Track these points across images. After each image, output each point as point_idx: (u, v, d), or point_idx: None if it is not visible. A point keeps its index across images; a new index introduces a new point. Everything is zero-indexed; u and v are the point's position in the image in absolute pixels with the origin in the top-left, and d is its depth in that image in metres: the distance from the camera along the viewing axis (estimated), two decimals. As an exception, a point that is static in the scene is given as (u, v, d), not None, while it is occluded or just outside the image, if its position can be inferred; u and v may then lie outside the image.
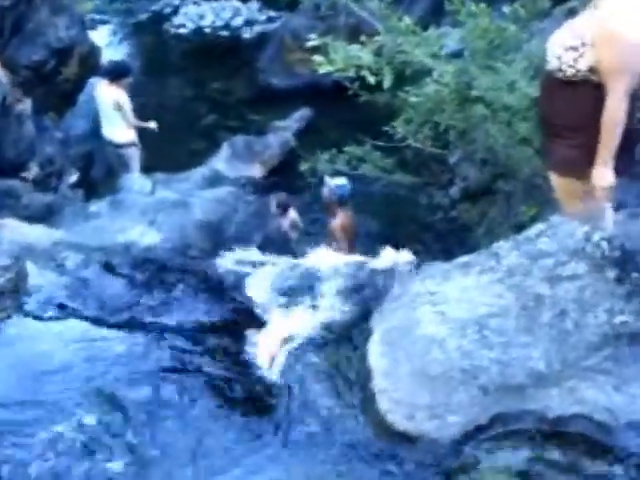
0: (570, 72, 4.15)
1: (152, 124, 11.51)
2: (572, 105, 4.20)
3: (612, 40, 4.07)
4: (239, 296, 5.54)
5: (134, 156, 11.61)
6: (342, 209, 8.79)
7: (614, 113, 4.09)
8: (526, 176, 8.14)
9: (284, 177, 11.61)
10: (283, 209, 9.66)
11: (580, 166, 4.24)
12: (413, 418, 3.95)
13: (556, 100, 4.28)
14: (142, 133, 11.79)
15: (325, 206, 8.99)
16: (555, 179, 4.40)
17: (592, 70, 4.09)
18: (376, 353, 4.32)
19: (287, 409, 4.44)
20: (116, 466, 4.06)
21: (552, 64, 4.24)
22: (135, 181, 11.40)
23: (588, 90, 4.15)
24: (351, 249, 8.81)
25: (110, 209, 9.93)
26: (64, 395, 4.49)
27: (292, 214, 9.84)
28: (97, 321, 5.26)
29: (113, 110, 11.16)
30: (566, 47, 4.19)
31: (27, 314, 5.38)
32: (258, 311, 5.33)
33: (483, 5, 8.18)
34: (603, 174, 4.28)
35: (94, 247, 6.62)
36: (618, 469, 3.72)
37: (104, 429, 4.30)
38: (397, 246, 7.65)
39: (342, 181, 8.91)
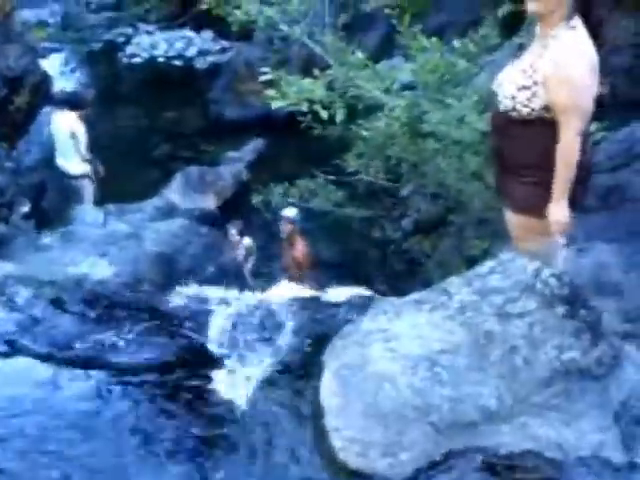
0: (525, 111, 4.21)
1: (100, 169, 11.51)
2: (527, 143, 4.26)
3: (567, 82, 4.14)
4: (193, 333, 5.49)
5: (87, 188, 11.57)
6: (301, 238, 8.88)
7: (569, 150, 4.15)
8: (477, 210, 8.25)
9: (237, 209, 11.61)
10: (240, 236, 9.71)
11: (537, 203, 4.30)
12: (366, 456, 3.94)
13: (511, 139, 4.34)
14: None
15: (285, 239, 9.05)
16: (511, 217, 4.45)
17: (546, 108, 4.15)
18: (328, 390, 4.31)
19: (243, 447, 4.41)
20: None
21: (505, 104, 4.30)
22: (87, 212, 11.34)
23: (543, 128, 4.21)
24: (312, 279, 8.87)
25: (62, 241, 9.87)
26: (11, 434, 4.42)
27: (247, 241, 9.86)
28: (47, 358, 5.18)
29: (68, 140, 11.12)
30: (519, 86, 4.25)
31: (-25, 351, 5.29)
32: (213, 348, 5.29)
33: (434, 39, 8.30)
34: (559, 210, 4.34)
35: (45, 281, 6.53)
36: (568, 505, 3.75)
37: (52, 467, 4.24)
38: (350, 279, 7.70)
39: (293, 212, 9.00)
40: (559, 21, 4.14)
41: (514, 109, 4.24)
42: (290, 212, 8.93)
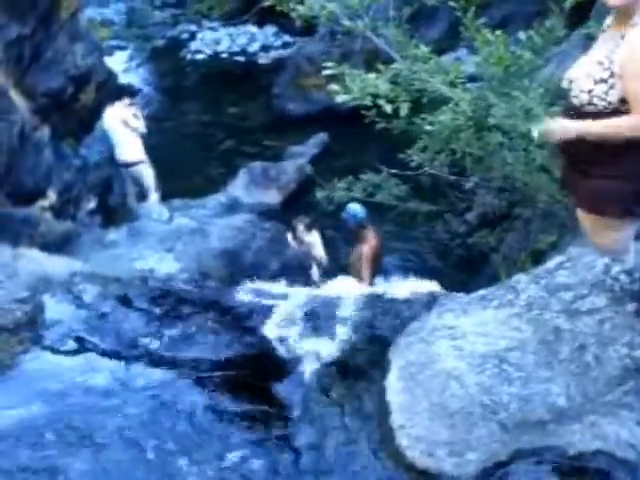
0: (602, 105, 4.11)
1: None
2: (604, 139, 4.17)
3: None
4: (258, 329, 5.52)
5: (146, 174, 11.69)
6: (370, 231, 8.88)
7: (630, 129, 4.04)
8: (543, 203, 8.12)
9: (301, 204, 11.62)
10: (308, 230, 9.70)
11: (607, 200, 4.19)
12: (432, 455, 3.91)
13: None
14: (160, 159, 11.86)
15: (353, 234, 9.05)
16: (580, 213, 4.36)
17: (622, 101, 4.06)
18: (394, 388, 4.30)
19: (306, 444, 4.42)
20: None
21: (581, 98, 4.19)
22: (153, 208, 11.46)
23: None
24: (373, 277, 8.86)
25: (128, 237, 9.99)
26: (83, 432, 4.48)
27: (315, 236, 9.84)
28: (114, 355, 5.26)
29: (119, 129, 11.31)
30: (596, 80, 4.15)
31: (44, 347, 5.38)
32: (277, 344, 5.31)
33: (499, 32, 8.17)
34: None
35: (111, 278, 6.62)
36: (641, 507, 3.68)
37: (124, 464, 4.30)
38: (415, 274, 7.66)
39: (356, 206, 8.99)
40: (638, 10, 4.06)
41: (590, 103, 4.14)
42: (353, 206, 8.93)
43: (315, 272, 9.65)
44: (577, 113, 4.20)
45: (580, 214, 4.39)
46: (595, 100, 4.14)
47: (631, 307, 4.36)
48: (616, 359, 4.16)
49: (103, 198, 11.84)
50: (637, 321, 4.30)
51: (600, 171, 4.16)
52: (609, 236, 4.32)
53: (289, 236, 9.79)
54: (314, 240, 9.85)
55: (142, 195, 11.98)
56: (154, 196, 11.84)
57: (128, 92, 11.84)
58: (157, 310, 5.85)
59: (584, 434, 3.88)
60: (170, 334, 5.49)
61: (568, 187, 4.60)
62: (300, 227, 9.74)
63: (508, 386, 4.12)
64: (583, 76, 4.22)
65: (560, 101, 6.82)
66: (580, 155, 4.31)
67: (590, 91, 4.17)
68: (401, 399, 4.20)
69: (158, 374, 5.04)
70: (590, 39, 4.50)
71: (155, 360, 5.20)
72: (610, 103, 4.05)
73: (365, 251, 8.87)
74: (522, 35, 8.50)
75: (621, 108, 4.04)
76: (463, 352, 4.33)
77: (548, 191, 7.79)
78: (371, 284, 8.65)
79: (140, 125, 11.58)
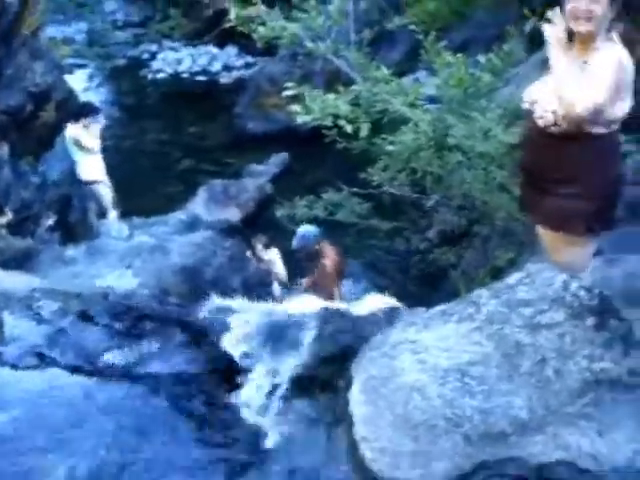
0: (566, 125, 4.15)
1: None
2: (566, 157, 4.21)
3: (597, 86, 4.08)
4: (219, 344, 5.48)
5: (104, 193, 11.63)
6: (328, 247, 8.88)
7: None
8: (502, 221, 8.21)
9: (261, 222, 11.62)
10: (266, 248, 9.70)
11: (569, 218, 4.24)
12: (397, 466, 3.91)
13: (548, 153, 4.28)
14: (119, 177, 11.79)
15: (311, 255, 9.03)
16: (543, 232, 4.40)
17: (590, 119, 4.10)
18: (357, 401, 4.29)
19: (270, 457, 4.39)
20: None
21: (546, 119, 4.23)
22: (112, 225, 11.39)
23: (584, 142, 4.16)
24: (336, 292, 8.87)
25: (87, 254, 9.89)
26: (44, 448, 4.41)
27: (274, 254, 9.85)
28: (75, 370, 5.19)
29: (77, 148, 11.24)
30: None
31: (3, 363, 5.29)
32: (238, 359, 5.28)
33: (459, 55, 8.28)
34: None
35: (71, 294, 6.55)
36: (602, 517, 3.70)
37: None
38: (377, 291, 7.66)
39: (308, 227, 8.97)
40: (600, 36, 4.11)
41: (556, 124, 4.19)
42: (308, 227, 8.94)
43: (276, 289, 9.65)
44: (540, 134, 4.25)
45: (541, 232, 4.43)
46: (560, 120, 4.19)
47: (590, 321, 4.40)
48: (576, 372, 4.19)
49: (62, 215, 11.76)
50: (596, 335, 4.34)
51: (562, 189, 4.21)
52: (570, 253, 4.37)
53: (249, 253, 9.79)
54: (273, 257, 9.85)
55: (101, 213, 11.90)
56: (113, 214, 11.77)
57: (88, 110, 11.72)
58: (118, 326, 5.78)
59: (546, 445, 3.90)
60: (131, 350, 5.43)
61: (527, 205, 4.65)
62: (259, 245, 9.75)
63: (470, 399, 4.13)
64: (547, 97, 4.27)
65: (519, 122, 6.91)
66: (540, 173, 4.36)
67: (554, 112, 4.22)
68: (364, 411, 4.19)
69: (119, 389, 4.98)
70: (547, 62, 4.54)
71: (116, 375, 5.14)
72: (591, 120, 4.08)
73: (329, 265, 8.87)
74: (482, 58, 8.63)
75: (585, 128, 4.08)
76: (426, 365, 4.33)
77: (507, 209, 7.88)
78: (339, 298, 8.66)
79: (95, 144, 11.47)
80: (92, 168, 11.48)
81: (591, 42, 4.14)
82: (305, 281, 9.30)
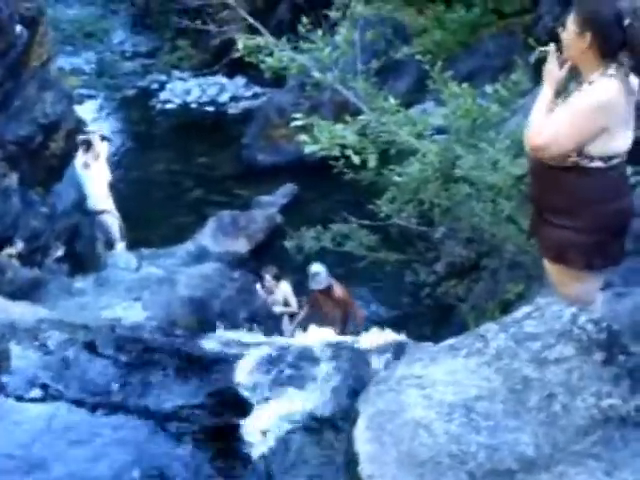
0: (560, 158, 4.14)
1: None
2: (563, 189, 4.19)
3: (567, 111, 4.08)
4: (225, 378, 5.47)
5: (111, 223, 11.67)
6: (338, 283, 8.98)
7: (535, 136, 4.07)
8: (511, 253, 8.16)
9: (270, 253, 11.61)
10: (276, 280, 9.68)
11: (566, 249, 4.20)
12: (402, 505, 3.87)
13: (546, 184, 4.26)
14: (128, 208, 11.82)
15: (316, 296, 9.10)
16: (548, 264, 4.38)
17: (580, 155, 4.08)
18: (362, 438, 4.25)
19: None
20: None
21: None
22: (120, 257, 11.40)
23: (578, 174, 4.14)
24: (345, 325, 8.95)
25: (95, 285, 9.91)
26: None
27: (285, 286, 9.80)
28: (79, 404, 5.18)
29: (86, 177, 11.32)
30: None
31: (9, 395, 5.29)
32: (245, 394, 5.26)
33: (466, 85, 8.27)
34: None
35: (78, 325, 6.56)
36: None
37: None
38: (384, 324, 7.63)
39: (321, 267, 9.06)
40: (594, 68, 4.09)
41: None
42: (318, 268, 9.01)
43: (286, 322, 9.62)
44: (540, 164, 4.23)
45: (546, 264, 4.41)
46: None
47: (598, 356, 4.37)
48: (584, 409, 4.15)
49: (71, 246, 11.77)
50: (604, 371, 4.30)
51: (562, 221, 4.19)
52: (574, 287, 4.34)
53: (258, 285, 9.77)
54: (285, 289, 9.82)
55: (110, 243, 11.93)
56: (120, 245, 11.80)
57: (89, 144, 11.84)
58: (124, 358, 5.79)
59: (553, 484, 3.86)
60: (137, 382, 5.43)
61: (535, 235, 4.63)
62: (268, 277, 9.74)
63: (476, 435, 4.09)
64: None
65: (525, 152, 6.90)
66: (541, 203, 4.35)
67: None
68: (370, 449, 4.15)
69: (124, 422, 4.98)
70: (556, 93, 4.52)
71: (121, 408, 5.14)
72: (569, 157, 4.06)
73: (344, 293, 9.03)
74: (489, 88, 8.62)
75: (579, 162, 4.06)
76: (432, 401, 4.30)
77: (515, 241, 7.84)
78: (345, 333, 8.67)
79: (103, 167, 11.55)
80: (101, 198, 11.53)
81: (585, 72, 4.10)
82: (305, 310, 9.39)
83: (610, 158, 4.05)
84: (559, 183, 4.20)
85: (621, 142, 4.05)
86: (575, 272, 4.23)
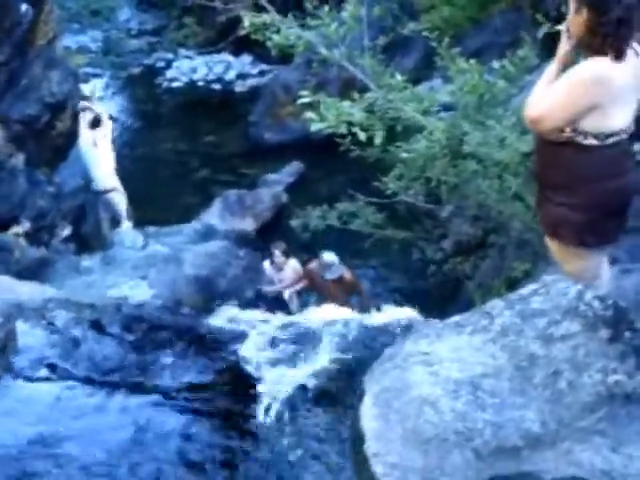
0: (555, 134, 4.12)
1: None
2: (559, 165, 4.18)
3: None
4: (232, 355, 5.49)
5: (117, 201, 11.68)
6: (347, 271, 9.03)
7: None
8: (517, 231, 8.16)
9: (276, 232, 11.61)
10: (285, 256, 9.64)
11: (567, 229, 4.19)
12: (407, 482, 3.88)
13: (545, 160, 4.26)
14: (134, 187, 11.84)
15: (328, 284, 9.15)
16: (549, 241, 4.38)
17: (575, 131, 4.06)
18: (369, 415, 4.26)
19: (281, 472, 4.38)
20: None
21: None
22: (126, 235, 11.42)
23: (573, 150, 4.13)
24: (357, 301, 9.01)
25: (102, 264, 9.94)
26: (59, 459, 4.42)
27: (294, 262, 9.76)
28: (88, 382, 5.21)
29: (93, 155, 11.31)
30: None
31: (17, 375, 5.32)
32: (251, 370, 5.28)
33: (473, 62, 8.24)
34: None
35: (85, 304, 6.58)
36: (615, 533, 3.67)
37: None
38: (391, 302, 7.64)
39: (331, 256, 9.09)
40: (593, 43, 4.07)
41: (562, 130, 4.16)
42: (331, 257, 9.04)
43: (294, 299, 9.59)
44: (541, 140, 4.22)
45: (547, 240, 4.41)
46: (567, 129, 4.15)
47: (604, 333, 4.37)
48: (590, 385, 4.16)
49: (77, 225, 11.79)
50: (610, 347, 4.31)
51: (560, 198, 4.17)
52: (576, 264, 4.33)
53: (266, 263, 9.74)
54: (294, 266, 9.78)
55: (116, 222, 11.95)
56: (127, 224, 11.81)
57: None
58: (130, 337, 5.81)
59: (558, 461, 3.87)
60: (144, 360, 5.46)
61: (539, 212, 4.62)
62: (277, 252, 9.66)
63: (482, 412, 4.10)
64: None
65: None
66: (541, 179, 4.34)
67: None
68: (375, 426, 4.17)
69: (132, 400, 5.00)
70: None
71: (129, 386, 5.16)
72: (563, 132, 4.03)
73: (353, 278, 9.09)
74: (496, 64, 8.57)
75: (574, 138, 4.03)
76: (438, 378, 4.31)
77: (522, 219, 7.83)
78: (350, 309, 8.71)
79: (108, 144, 11.55)
80: (106, 176, 11.54)
81: (588, 53, 4.08)
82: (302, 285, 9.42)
83: (607, 136, 4.02)
84: (557, 159, 4.19)
85: (617, 120, 4.01)
86: (573, 249, 4.23)
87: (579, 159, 4.09)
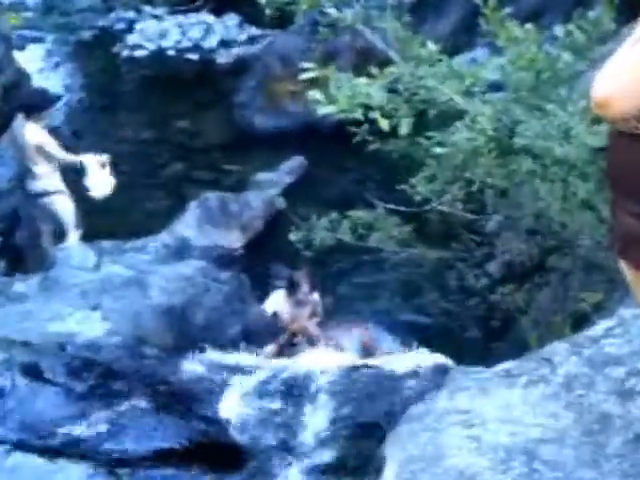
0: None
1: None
2: (632, 163, 4.20)
3: None
4: (211, 412, 5.52)
5: (64, 207, 11.68)
6: None
7: None
8: (586, 250, 8.19)
9: (269, 248, 11.65)
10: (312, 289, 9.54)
11: (633, 244, 4.20)
12: None
13: (620, 159, 4.28)
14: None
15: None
16: (622, 264, 4.40)
17: None
18: (391, 492, 4.30)
19: None
20: None
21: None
22: (74, 251, 11.44)
23: None
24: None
25: (40, 288, 9.93)
26: None
27: (315, 297, 9.63)
28: (20, 448, 5.22)
29: (35, 154, 11.28)
30: None
31: None
32: (235, 434, 5.31)
33: (529, 27, 8.27)
34: None
35: (17, 342, 6.61)
36: None
37: None
38: (420, 342, 7.65)
39: None
40: None
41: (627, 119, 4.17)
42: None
43: (301, 341, 9.49)
44: (613, 132, 4.25)
45: (620, 262, 4.43)
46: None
47: (700, 387, 4.39)
48: (681, 455, 4.19)
49: (7, 237, 11.83)
50: None
51: (634, 207, 4.19)
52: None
53: (278, 293, 9.68)
54: (316, 300, 9.65)
55: (59, 234, 11.97)
56: (74, 236, 11.83)
57: (46, 99, 11.83)
58: (79, 386, 5.84)
59: None
60: (96, 419, 5.47)
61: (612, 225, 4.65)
62: (305, 285, 9.47)
63: (541, 490, 4.13)
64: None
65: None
66: (616, 183, 4.35)
67: None
68: (400, 507, 4.20)
69: (79, 472, 5.02)
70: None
71: (75, 454, 5.18)
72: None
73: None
74: (559, 30, 8.62)
75: None
76: (481, 444, 4.34)
77: (592, 234, 7.86)
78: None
79: (62, 155, 11.55)
80: (47, 174, 11.54)
81: None
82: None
83: None
84: (632, 156, 4.21)
85: None
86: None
87: None
